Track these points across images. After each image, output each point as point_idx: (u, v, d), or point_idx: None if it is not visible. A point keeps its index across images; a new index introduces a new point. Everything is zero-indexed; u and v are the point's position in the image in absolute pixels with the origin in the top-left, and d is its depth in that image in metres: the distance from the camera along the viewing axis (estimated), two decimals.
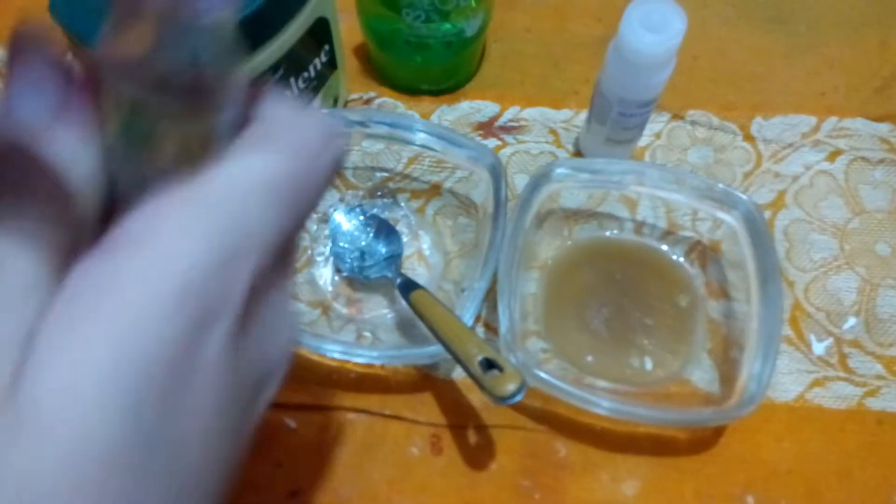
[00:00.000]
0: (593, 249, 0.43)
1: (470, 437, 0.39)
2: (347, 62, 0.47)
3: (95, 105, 0.16)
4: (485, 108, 0.48)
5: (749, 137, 0.47)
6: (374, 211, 0.44)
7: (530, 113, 0.48)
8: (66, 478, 0.13)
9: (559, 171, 0.41)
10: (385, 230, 0.43)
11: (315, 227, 0.44)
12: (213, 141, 0.16)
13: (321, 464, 0.38)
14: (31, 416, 0.13)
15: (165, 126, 0.16)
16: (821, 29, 0.51)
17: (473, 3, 0.43)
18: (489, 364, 0.32)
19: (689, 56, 0.49)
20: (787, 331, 0.41)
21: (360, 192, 0.45)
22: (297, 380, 0.40)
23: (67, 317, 0.13)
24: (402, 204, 0.45)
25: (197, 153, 0.16)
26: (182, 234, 0.14)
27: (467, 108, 0.48)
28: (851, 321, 0.41)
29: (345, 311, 0.42)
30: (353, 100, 0.49)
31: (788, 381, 0.40)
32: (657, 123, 0.47)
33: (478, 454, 0.38)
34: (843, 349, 0.40)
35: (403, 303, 0.38)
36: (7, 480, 0.13)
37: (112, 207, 0.16)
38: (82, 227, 0.15)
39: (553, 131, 0.47)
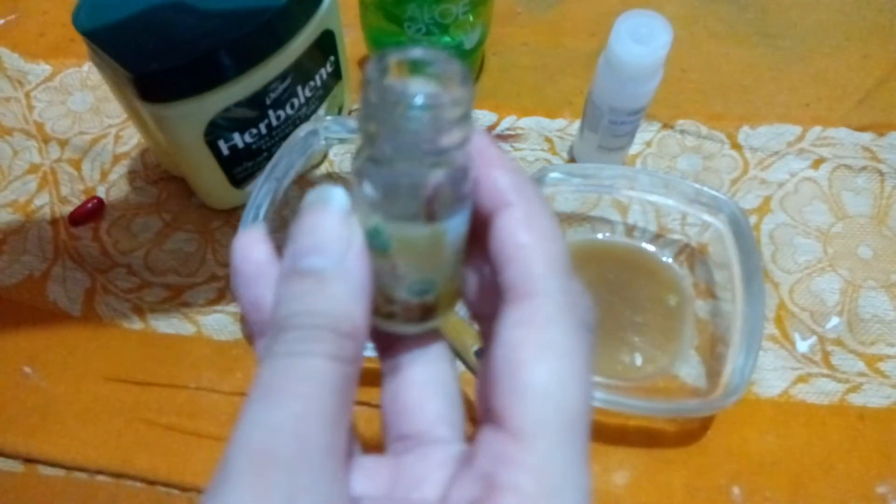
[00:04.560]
0: (586, 251, 0.45)
1: (466, 429, 0.40)
2: (351, 73, 0.49)
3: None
4: (483, 117, 0.50)
5: (736, 146, 0.49)
6: None
7: (527, 122, 0.50)
8: None
9: (553, 175, 0.43)
10: None
11: None
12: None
13: None
14: None
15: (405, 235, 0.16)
16: (806, 43, 0.53)
17: (472, 18, 0.45)
18: None
19: (678, 68, 0.52)
20: (773, 330, 0.43)
21: None
22: None
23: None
24: None
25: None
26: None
27: None
28: (834, 321, 0.43)
29: None
30: (356, 109, 0.51)
31: (773, 377, 0.41)
32: (648, 132, 0.49)
33: None
34: (826, 347, 0.42)
35: None
36: None
37: None
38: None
39: (548, 139, 0.49)
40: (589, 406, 0.16)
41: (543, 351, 0.16)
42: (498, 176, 0.17)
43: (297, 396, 0.14)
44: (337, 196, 0.16)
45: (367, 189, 0.16)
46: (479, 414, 0.17)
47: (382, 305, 0.18)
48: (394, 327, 0.19)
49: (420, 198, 0.16)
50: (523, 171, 0.18)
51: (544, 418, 0.15)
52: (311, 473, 0.14)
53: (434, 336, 0.20)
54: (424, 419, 0.19)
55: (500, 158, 0.17)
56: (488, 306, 0.18)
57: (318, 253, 0.16)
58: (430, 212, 0.16)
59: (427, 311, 0.19)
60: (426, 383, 0.19)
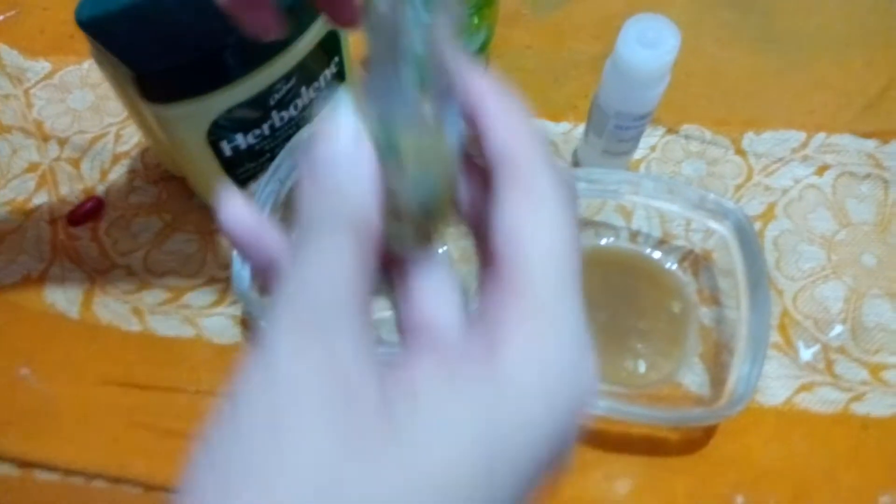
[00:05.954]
0: (590, 257, 0.45)
1: None
2: (356, 74, 0.48)
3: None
4: None
5: (741, 151, 0.49)
6: None
7: None
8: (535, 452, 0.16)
9: None
10: None
11: None
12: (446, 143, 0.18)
13: None
14: (510, 388, 0.16)
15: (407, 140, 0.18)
16: (811, 49, 0.53)
17: (476, 21, 0.45)
18: None
19: (683, 73, 0.51)
20: (776, 337, 0.42)
21: None
22: None
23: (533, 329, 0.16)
24: None
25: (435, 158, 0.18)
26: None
27: None
28: (838, 329, 0.43)
29: None
30: None
31: (777, 385, 0.41)
32: (652, 137, 0.49)
33: None
34: (829, 355, 0.42)
35: None
36: (497, 434, 0.15)
37: None
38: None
39: (552, 143, 0.49)
40: (579, 273, 0.18)
41: (540, 226, 0.17)
42: (477, 80, 0.19)
43: (322, 264, 0.16)
44: (345, 111, 0.18)
45: (368, 99, 0.18)
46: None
47: (391, 223, 0.19)
48: (403, 245, 0.20)
49: (409, 96, 0.17)
50: (503, 81, 0.19)
51: (546, 277, 0.17)
52: (346, 321, 0.16)
53: (438, 257, 0.21)
54: (436, 310, 0.20)
55: (476, 68, 0.19)
56: (479, 216, 0.20)
57: (335, 166, 0.17)
58: (423, 111, 0.18)
59: (432, 224, 0.20)
60: (437, 284, 0.20)
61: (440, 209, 0.19)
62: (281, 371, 0.15)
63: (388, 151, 0.18)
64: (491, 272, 0.18)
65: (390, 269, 0.21)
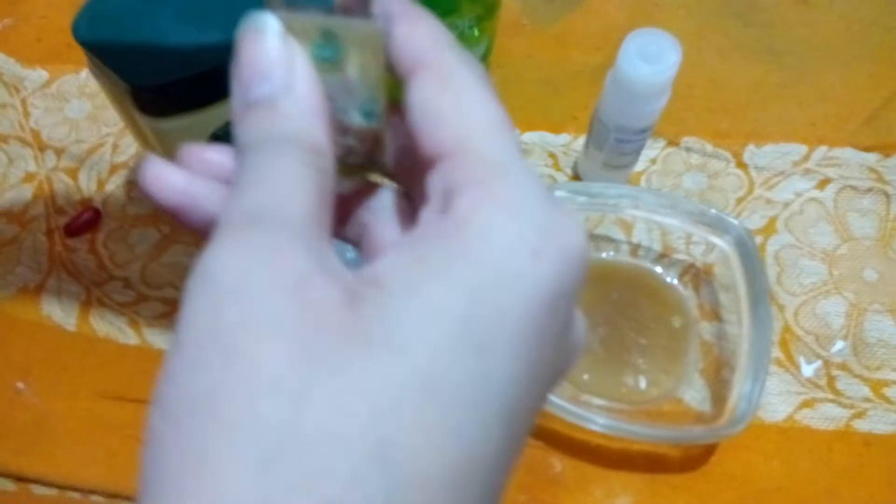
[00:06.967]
0: (590, 271, 0.44)
1: None
2: None
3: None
4: None
5: (741, 164, 0.48)
6: None
7: (530, 137, 0.49)
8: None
9: (557, 193, 0.42)
10: None
11: None
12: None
13: None
14: (485, 253, 0.14)
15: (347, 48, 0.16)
16: (813, 62, 0.53)
17: (477, 33, 0.45)
18: None
19: (684, 85, 0.51)
20: (777, 353, 0.42)
21: None
22: None
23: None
24: None
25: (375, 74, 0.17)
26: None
27: None
28: (839, 344, 0.42)
29: None
30: None
31: (778, 402, 0.41)
32: (653, 149, 0.49)
33: None
34: (831, 372, 0.42)
35: None
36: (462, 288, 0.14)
37: None
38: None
39: (552, 155, 0.49)
40: (518, 144, 0.16)
41: (467, 102, 0.16)
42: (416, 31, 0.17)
43: (267, 182, 0.15)
44: (268, 20, 0.16)
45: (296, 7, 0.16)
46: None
47: (339, 141, 0.18)
48: (350, 173, 0.19)
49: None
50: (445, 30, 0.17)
51: (490, 142, 0.16)
52: (296, 231, 0.14)
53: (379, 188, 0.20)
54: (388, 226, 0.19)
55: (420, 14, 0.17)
56: (406, 159, 0.18)
57: (264, 81, 0.15)
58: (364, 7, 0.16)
59: (375, 143, 0.18)
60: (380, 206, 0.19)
61: (378, 124, 0.18)
62: (225, 291, 0.13)
63: (326, 49, 0.16)
64: (431, 176, 0.16)
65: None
